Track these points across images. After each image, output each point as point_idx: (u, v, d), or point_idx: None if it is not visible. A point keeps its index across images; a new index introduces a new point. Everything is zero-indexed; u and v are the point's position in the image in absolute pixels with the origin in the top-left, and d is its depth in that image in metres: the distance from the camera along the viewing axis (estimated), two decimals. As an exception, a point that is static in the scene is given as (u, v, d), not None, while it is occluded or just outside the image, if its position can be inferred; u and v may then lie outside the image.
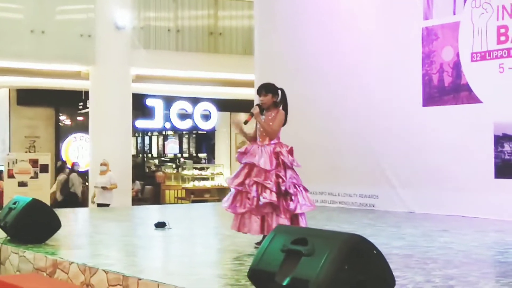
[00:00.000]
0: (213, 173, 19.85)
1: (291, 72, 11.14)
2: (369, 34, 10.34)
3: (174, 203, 18.30)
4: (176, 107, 18.17)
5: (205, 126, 18.85)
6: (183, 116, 18.44)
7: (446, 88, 9.32)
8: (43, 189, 13.71)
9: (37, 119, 18.17)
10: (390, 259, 3.69)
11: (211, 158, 20.92)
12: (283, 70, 11.18)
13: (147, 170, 21.20)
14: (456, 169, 9.08)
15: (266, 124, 5.82)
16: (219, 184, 19.51)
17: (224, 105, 18.69)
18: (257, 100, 6.16)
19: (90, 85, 14.87)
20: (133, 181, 16.33)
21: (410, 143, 9.67)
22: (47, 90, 16.65)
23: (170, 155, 21.52)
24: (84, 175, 16.13)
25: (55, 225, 6.30)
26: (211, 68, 15.91)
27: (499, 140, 8.67)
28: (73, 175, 14.99)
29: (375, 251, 3.46)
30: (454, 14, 9.23)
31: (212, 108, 18.55)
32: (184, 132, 20.87)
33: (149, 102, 17.83)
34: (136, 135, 20.92)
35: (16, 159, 13.98)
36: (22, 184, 13.70)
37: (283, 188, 5.61)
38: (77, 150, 18.63)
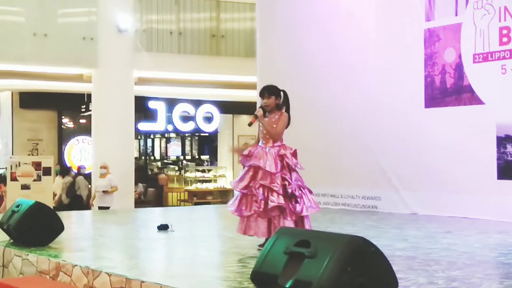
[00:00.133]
0: (215, 175, 19.85)
1: (293, 74, 11.15)
2: (371, 35, 10.34)
3: (177, 206, 18.30)
4: (179, 109, 18.18)
5: (207, 128, 18.86)
6: (186, 118, 18.45)
7: (448, 89, 9.32)
8: (46, 192, 13.73)
9: (40, 122, 18.19)
10: (393, 260, 3.69)
11: (213, 160, 20.92)
12: (285, 72, 11.19)
13: (149, 173, 21.21)
14: (459, 170, 9.08)
15: (270, 126, 5.82)
16: (222, 186, 19.51)
17: (227, 107, 18.70)
18: (259, 102, 6.16)
19: (93, 88, 14.89)
20: (136, 183, 16.34)
21: (413, 145, 9.66)
22: (50, 93, 16.68)
23: (173, 158, 21.52)
24: (88, 178, 16.15)
25: (58, 228, 6.30)
26: (213, 70, 15.92)
27: (502, 141, 8.66)
28: (80, 178, 15.00)
29: (378, 253, 3.46)
30: (456, 15, 9.23)
31: (214, 110, 18.55)
32: (186, 135, 20.88)
33: (151, 104, 17.84)
34: (139, 137, 20.93)
35: (19, 162, 14.00)
36: (25, 187, 13.72)
37: (289, 190, 5.61)
38: (80, 152, 18.65)
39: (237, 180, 5.82)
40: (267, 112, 5.89)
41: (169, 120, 18.26)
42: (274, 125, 5.82)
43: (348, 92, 10.61)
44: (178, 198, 19.45)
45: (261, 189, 5.61)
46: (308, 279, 3.33)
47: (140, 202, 17.27)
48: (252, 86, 13.13)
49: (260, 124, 5.89)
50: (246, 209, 5.70)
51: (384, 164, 10.07)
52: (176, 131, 19.59)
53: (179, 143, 21.61)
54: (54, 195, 14.57)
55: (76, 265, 5.08)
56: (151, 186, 19.62)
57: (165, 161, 21.55)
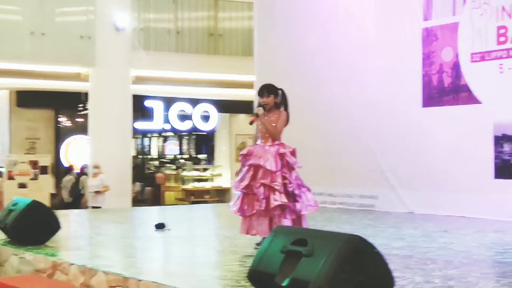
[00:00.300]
0: (212, 174, 19.85)
1: (291, 73, 11.15)
2: (369, 35, 10.35)
3: (174, 204, 18.30)
4: (176, 108, 18.17)
5: (204, 127, 18.86)
6: (183, 117, 18.44)
7: (445, 88, 9.33)
8: (43, 190, 13.72)
9: (37, 120, 18.17)
10: (390, 259, 3.69)
11: (210, 159, 20.91)
12: (282, 71, 11.18)
13: (147, 172, 21.20)
14: (456, 169, 9.09)
15: (270, 125, 5.82)
16: (219, 185, 19.51)
17: (224, 106, 18.70)
18: (257, 101, 6.15)
19: (90, 87, 14.88)
20: (133, 182, 16.33)
21: (410, 144, 9.67)
22: (47, 92, 16.66)
23: (170, 156, 21.51)
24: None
25: (55, 226, 6.30)
26: (211, 69, 15.93)
27: (499, 140, 8.67)
28: (84, 178, 14.99)
29: (375, 252, 3.46)
30: (454, 14, 9.24)
31: (211, 109, 18.55)
32: (183, 134, 20.87)
33: (148, 103, 17.84)
34: (136, 136, 20.91)
35: (16, 161, 13.99)
36: (22, 185, 13.71)
37: (290, 189, 5.62)
38: (77, 151, 18.63)
39: (238, 180, 5.81)
40: (266, 110, 5.89)
41: (167, 119, 18.26)
42: (274, 124, 5.83)
43: (346, 91, 10.61)
44: (175, 197, 19.44)
45: (262, 188, 5.61)
46: (305, 278, 3.33)
47: (137, 201, 17.27)
48: (249, 85, 13.14)
49: (259, 123, 5.89)
50: (248, 209, 5.70)
51: (381, 163, 10.08)
52: (173, 130, 19.59)
53: (177, 142, 21.60)
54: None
55: (73, 264, 5.08)
56: (148, 185, 19.62)
57: (162, 160, 21.54)
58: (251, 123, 5.92)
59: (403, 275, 4.48)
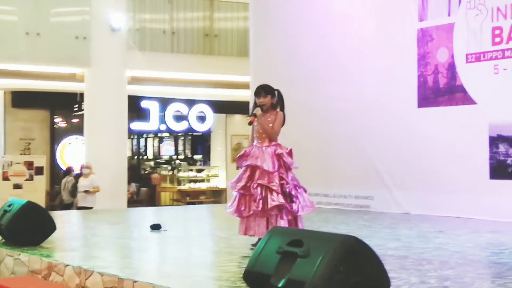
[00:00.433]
0: (208, 175, 19.83)
1: (286, 74, 11.15)
2: (364, 35, 10.36)
3: (170, 205, 18.28)
4: (172, 109, 18.15)
5: (200, 128, 18.85)
6: (179, 118, 18.43)
7: (441, 89, 9.34)
8: (38, 191, 13.70)
9: (32, 121, 18.13)
10: (385, 260, 3.69)
11: (206, 160, 20.90)
12: (278, 72, 11.18)
13: (142, 172, 21.18)
14: (451, 170, 9.10)
15: (268, 126, 5.82)
16: (215, 186, 19.50)
17: (220, 107, 18.69)
18: (252, 101, 6.15)
19: (85, 87, 14.85)
20: (129, 183, 16.30)
21: (405, 144, 9.68)
22: (42, 92, 16.62)
23: (166, 157, 21.50)
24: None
25: (50, 227, 6.28)
26: (207, 70, 15.91)
27: (494, 141, 8.69)
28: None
29: (370, 252, 3.46)
30: (449, 15, 9.25)
31: (207, 110, 18.54)
32: (179, 134, 20.85)
33: (144, 104, 17.81)
34: (132, 137, 20.88)
35: (11, 162, 13.97)
36: (17, 186, 13.69)
37: (287, 190, 5.63)
38: (72, 152, 18.58)
39: (234, 180, 5.81)
40: (263, 111, 5.89)
41: (162, 120, 18.24)
42: (271, 125, 5.83)
43: (341, 92, 10.62)
44: (171, 197, 19.43)
45: (259, 189, 5.61)
46: (301, 279, 3.33)
47: (133, 201, 17.24)
48: (245, 86, 13.14)
49: (255, 124, 5.89)
50: (245, 210, 5.70)
51: (376, 164, 10.09)
52: (169, 130, 19.57)
53: (172, 143, 21.58)
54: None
55: (68, 265, 5.07)
56: (144, 186, 19.60)
57: (158, 160, 21.53)
58: (250, 123, 5.91)
59: (398, 276, 4.49)
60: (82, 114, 15.43)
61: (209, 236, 7.62)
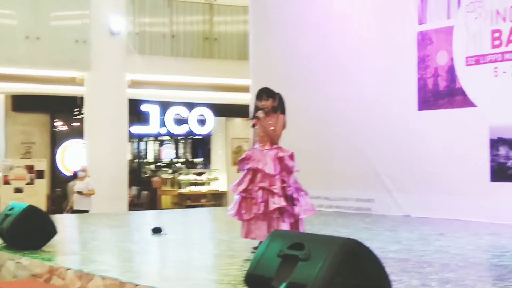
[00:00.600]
0: (209, 178, 19.83)
1: (286, 77, 11.16)
2: (364, 38, 10.37)
3: (171, 208, 18.28)
4: (172, 112, 18.16)
5: (201, 131, 18.85)
6: (179, 121, 18.43)
7: (440, 92, 9.35)
8: (39, 195, 13.70)
9: (33, 125, 18.13)
10: (386, 263, 3.70)
11: (207, 163, 20.90)
12: (278, 75, 11.20)
13: (143, 176, 21.18)
14: (452, 172, 9.11)
15: (269, 129, 5.83)
16: (215, 189, 19.50)
17: (220, 110, 18.69)
18: (253, 105, 6.16)
19: (85, 91, 14.86)
20: (129, 186, 16.30)
21: (406, 147, 9.69)
22: (42, 96, 16.62)
23: (166, 161, 21.50)
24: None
25: (51, 231, 6.29)
26: (207, 73, 15.92)
27: (494, 143, 8.70)
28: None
29: (371, 255, 3.47)
30: (448, 18, 9.27)
31: (207, 113, 18.55)
32: (179, 137, 20.85)
33: (144, 107, 17.82)
34: (132, 140, 20.89)
35: (12, 165, 13.97)
36: (18, 190, 13.69)
37: (289, 193, 5.63)
38: (73, 156, 18.58)
39: (236, 183, 5.81)
40: (265, 114, 5.90)
41: (162, 123, 18.24)
42: (272, 128, 5.84)
43: (341, 95, 10.63)
44: (172, 201, 19.42)
45: (260, 192, 5.62)
46: (302, 282, 3.34)
47: (134, 205, 17.23)
48: (245, 89, 13.15)
49: (257, 127, 5.89)
50: (246, 213, 5.70)
51: (377, 167, 10.09)
52: (169, 134, 19.57)
53: (173, 146, 21.58)
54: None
55: (69, 269, 5.08)
56: (144, 189, 19.58)
57: (159, 164, 21.52)
58: (253, 126, 5.91)
59: (399, 279, 4.49)
60: (82, 118, 15.44)
61: (210, 239, 7.63)
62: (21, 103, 17.56)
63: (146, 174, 21.30)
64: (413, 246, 6.41)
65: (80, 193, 12.45)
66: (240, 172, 5.94)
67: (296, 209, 5.65)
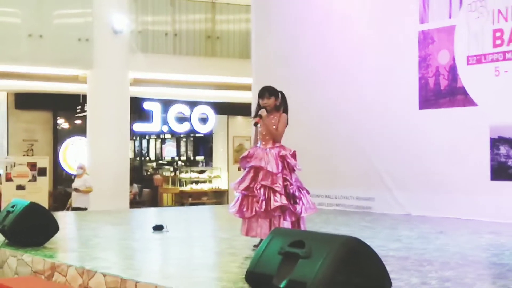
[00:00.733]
0: (210, 176, 19.86)
1: (288, 76, 11.18)
2: (366, 38, 10.38)
3: (172, 206, 18.31)
4: (174, 110, 18.18)
5: (202, 129, 18.87)
6: (181, 119, 18.46)
7: (442, 91, 9.37)
8: (41, 192, 13.72)
9: (35, 122, 18.17)
10: (386, 261, 3.72)
11: (208, 161, 20.92)
12: (280, 74, 11.22)
13: (144, 173, 21.20)
14: (452, 171, 9.13)
15: (272, 127, 5.85)
16: (217, 187, 19.53)
17: (222, 108, 18.72)
18: (255, 103, 6.18)
19: (88, 89, 14.89)
20: (131, 184, 16.33)
21: (407, 146, 9.71)
22: (45, 94, 16.66)
23: (168, 158, 21.53)
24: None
25: (53, 228, 6.32)
26: (209, 71, 15.94)
27: (495, 142, 8.72)
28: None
29: (371, 254, 3.49)
30: (450, 17, 9.28)
31: (209, 112, 18.57)
32: (181, 135, 20.88)
33: (146, 105, 17.85)
34: (134, 138, 20.91)
35: (14, 163, 14.00)
36: (20, 187, 13.72)
37: (291, 191, 5.65)
38: (75, 153, 18.61)
39: (237, 181, 5.83)
40: (267, 112, 5.91)
41: (164, 121, 18.27)
42: (274, 126, 5.86)
43: (342, 94, 10.65)
44: (173, 199, 19.45)
45: (262, 190, 5.63)
46: (303, 280, 3.36)
47: (135, 202, 17.27)
48: (247, 88, 13.17)
49: (259, 125, 5.91)
50: (247, 211, 5.72)
51: (378, 165, 10.11)
52: (171, 132, 19.60)
53: (174, 144, 21.60)
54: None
55: (71, 265, 5.10)
56: (146, 187, 19.62)
57: (160, 162, 21.56)
58: (256, 124, 5.93)
59: (399, 277, 4.51)
60: (85, 116, 15.47)
61: (211, 237, 7.65)
62: (24, 101, 17.60)
63: (148, 172, 21.34)
64: (413, 244, 6.43)
65: (77, 190, 12.46)
66: (242, 170, 5.97)
67: (298, 208, 5.68)
